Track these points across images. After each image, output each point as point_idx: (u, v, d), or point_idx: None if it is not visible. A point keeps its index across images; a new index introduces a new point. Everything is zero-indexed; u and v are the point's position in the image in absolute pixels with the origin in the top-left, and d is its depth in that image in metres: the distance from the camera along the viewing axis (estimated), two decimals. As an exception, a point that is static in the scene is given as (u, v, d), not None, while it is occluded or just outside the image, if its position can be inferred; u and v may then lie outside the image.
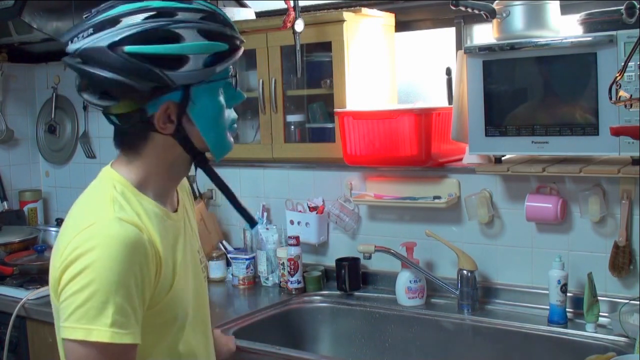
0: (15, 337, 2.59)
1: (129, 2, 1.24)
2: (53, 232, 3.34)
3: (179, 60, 1.22)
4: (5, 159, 3.53)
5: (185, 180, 1.51)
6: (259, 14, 2.82)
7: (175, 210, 1.38)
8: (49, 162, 3.63)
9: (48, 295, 2.55)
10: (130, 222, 1.22)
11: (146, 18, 1.21)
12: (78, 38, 1.22)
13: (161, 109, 1.24)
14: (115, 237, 1.18)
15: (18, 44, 3.10)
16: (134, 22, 1.21)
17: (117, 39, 1.20)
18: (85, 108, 3.42)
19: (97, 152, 3.42)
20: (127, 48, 1.19)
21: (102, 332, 1.15)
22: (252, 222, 1.44)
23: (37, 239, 3.19)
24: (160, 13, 1.22)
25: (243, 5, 2.83)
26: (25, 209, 3.50)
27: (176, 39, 1.21)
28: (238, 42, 1.30)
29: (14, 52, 3.35)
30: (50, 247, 3.13)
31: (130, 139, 1.30)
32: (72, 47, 1.23)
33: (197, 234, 1.52)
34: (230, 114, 1.35)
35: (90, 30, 1.22)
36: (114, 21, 1.21)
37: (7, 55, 3.37)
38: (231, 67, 1.32)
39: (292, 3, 2.40)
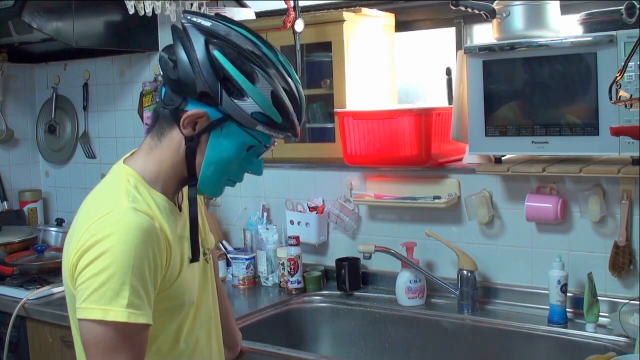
0: (15, 337, 2.59)
1: (250, 31, 1.35)
2: (53, 232, 3.34)
3: (240, 93, 1.30)
4: (5, 159, 3.53)
5: None
6: (259, 14, 2.82)
7: (179, 209, 1.44)
8: (49, 162, 3.63)
9: (48, 296, 2.61)
10: (144, 212, 1.29)
11: (249, 50, 1.32)
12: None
13: (196, 112, 1.31)
14: (131, 224, 1.25)
15: (18, 44, 3.09)
16: (238, 42, 1.31)
17: (216, 40, 1.31)
18: (85, 108, 3.42)
19: (97, 152, 3.38)
20: (217, 52, 1.29)
21: (119, 312, 1.22)
22: (194, 257, 1.42)
23: (37, 239, 3.19)
24: (261, 57, 1.32)
25: (243, 5, 2.83)
26: (25, 209, 3.50)
27: (253, 79, 1.31)
28: (290, 134, 1.38)
29: (14, 52, 3.34)
30: (50, 247, 3.13)
31: (161, 119, 1.37)
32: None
33: (207, 230, 1.60)
34: (238, 173, 1.41)
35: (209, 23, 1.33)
36: (226, 32, 1.32)
37: (7, 55, 3.36)
38: (271, 141, 1.38)
39: (292, 3, 2.40)
